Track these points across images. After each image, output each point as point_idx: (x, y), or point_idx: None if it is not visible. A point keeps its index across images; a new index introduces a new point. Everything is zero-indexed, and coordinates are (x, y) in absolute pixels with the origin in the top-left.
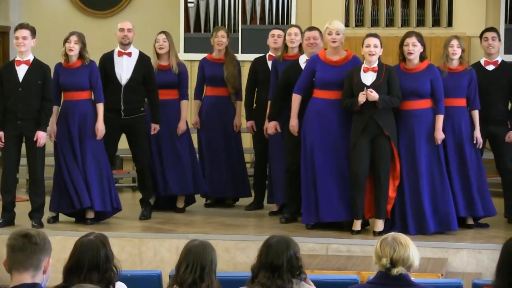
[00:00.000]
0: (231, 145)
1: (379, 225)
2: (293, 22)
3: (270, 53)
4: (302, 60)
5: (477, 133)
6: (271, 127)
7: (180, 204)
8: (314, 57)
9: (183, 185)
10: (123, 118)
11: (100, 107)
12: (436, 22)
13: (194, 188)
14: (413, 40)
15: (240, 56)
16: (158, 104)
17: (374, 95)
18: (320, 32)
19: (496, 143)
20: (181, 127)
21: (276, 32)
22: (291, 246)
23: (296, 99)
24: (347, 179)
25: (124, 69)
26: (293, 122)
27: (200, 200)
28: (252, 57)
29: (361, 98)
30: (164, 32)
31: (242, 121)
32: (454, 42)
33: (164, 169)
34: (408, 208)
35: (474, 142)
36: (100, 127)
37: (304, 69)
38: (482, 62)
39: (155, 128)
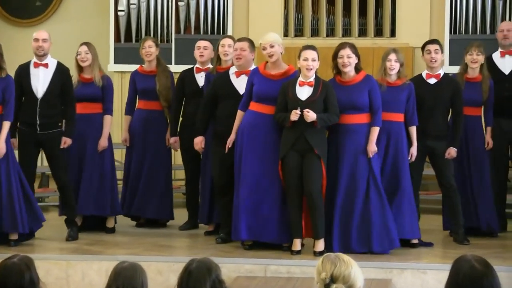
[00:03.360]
0: (162, 163)
1: (319, 245)
2: (229, 32)
3: (197, 65)
4: (232, 71)
5: (413, 150)
6: (197, 142)
7: (109, 224)
8: (254, 70)
9: (102, 205)
10: (38, 133)
11: (6, 125)
12: (378, 32)
13: (111, 210)
14: (347, 51)
15: (173, 68)
16: (75, 118)
17: (311, 116)
18: (250, 42)
19: (435, 158)
20: (102, 144)
21: (202, 43)
22: (212, 270)
23: (239, 115)
24: (276, 196)
25: (40, 82)
26: (231, 137)
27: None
28: (186, 68)
29: (294, 116)
30: (86, 44)
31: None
32: (392, 57)
33: (85, 187)
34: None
35: (409, 158)
36: (1, 146)
37: (246, 84)
38: (423, 75)
39: (65, 142)
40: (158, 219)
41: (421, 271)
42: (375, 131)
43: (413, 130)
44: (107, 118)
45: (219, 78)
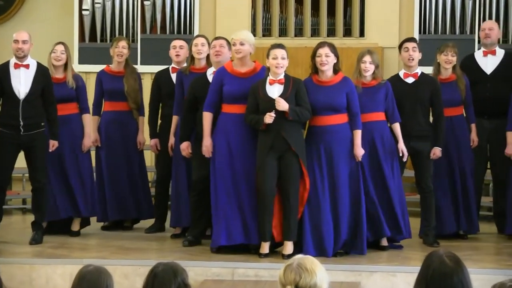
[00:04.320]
0: (133, 164)
1: (288, 247)
2: (196, 31)
3: (173, 65)
4: (209, 73)
5: (402, 145)
6: (184, 148)
7: (75, 227)
8: (220, 69)
9: (85, 207)
10: (22, 134)
11: None
12: (347, 32)
13: (86, 211)
14: (326, 50)
15: (139, 68)
16: (57, 118)
17: (283, 105)
18: (228, 42)
19: (419, 159)
20: (86, 143)
21: (178, 43)
22: (178, 273)
23: (207, 117)
24: (253, 199)
25: (22, 82)
26: (207, 142)
27: (96, 222)
28: (152, 68)
29: (268, 119)
30: (62, 43)
31: (146, 138)
32: (367, 59)
33: (68, 190)
34: (307, 228)
35: (400, 155)
36: None
37: (211, 83)
38: (401, 74)
39: (53, 144)
40: (128, 220)
41: (390, 273)
42: (358, 134)
43: (397, 127)
44: (86, 117)
45: (197, 81)
